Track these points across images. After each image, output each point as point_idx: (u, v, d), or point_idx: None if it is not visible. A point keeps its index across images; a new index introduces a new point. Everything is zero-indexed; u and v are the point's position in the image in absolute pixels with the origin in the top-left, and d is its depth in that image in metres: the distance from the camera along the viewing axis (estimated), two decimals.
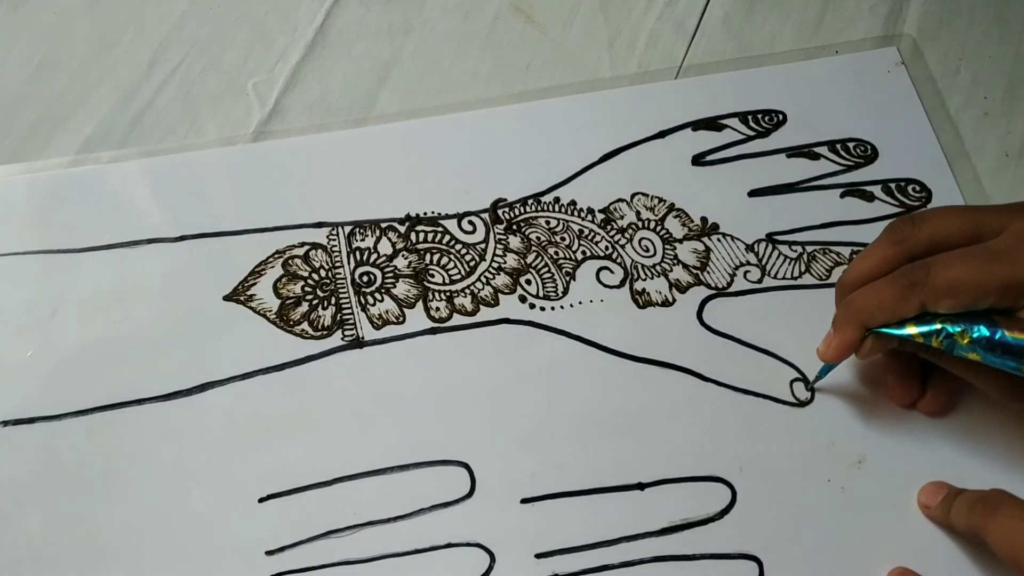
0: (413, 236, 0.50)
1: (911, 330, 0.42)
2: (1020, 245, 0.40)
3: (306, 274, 0.48)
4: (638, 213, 0.51)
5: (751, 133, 0.53)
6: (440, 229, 0.50)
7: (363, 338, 0.47)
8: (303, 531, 0.43)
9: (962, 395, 0.46)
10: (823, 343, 0.44)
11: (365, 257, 0.49)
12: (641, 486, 0.45)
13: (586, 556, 0.43)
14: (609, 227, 0.51)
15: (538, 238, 0.50)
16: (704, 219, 0.51)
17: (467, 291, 0.49)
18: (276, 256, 0.49)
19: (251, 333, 0.47)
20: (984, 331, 0.40)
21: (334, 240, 0.49)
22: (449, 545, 0.43)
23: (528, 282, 0.49)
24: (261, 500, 0.43)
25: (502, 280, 0.49)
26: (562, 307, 0.48)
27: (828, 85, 0.55)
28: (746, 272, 0.50)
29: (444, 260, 0.49)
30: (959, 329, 0.41)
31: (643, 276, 0.49)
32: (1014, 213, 0.42)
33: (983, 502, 0.41)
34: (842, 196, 0.52)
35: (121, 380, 0.45)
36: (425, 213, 0.50)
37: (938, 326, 0.41)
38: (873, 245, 0.44)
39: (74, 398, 0.45)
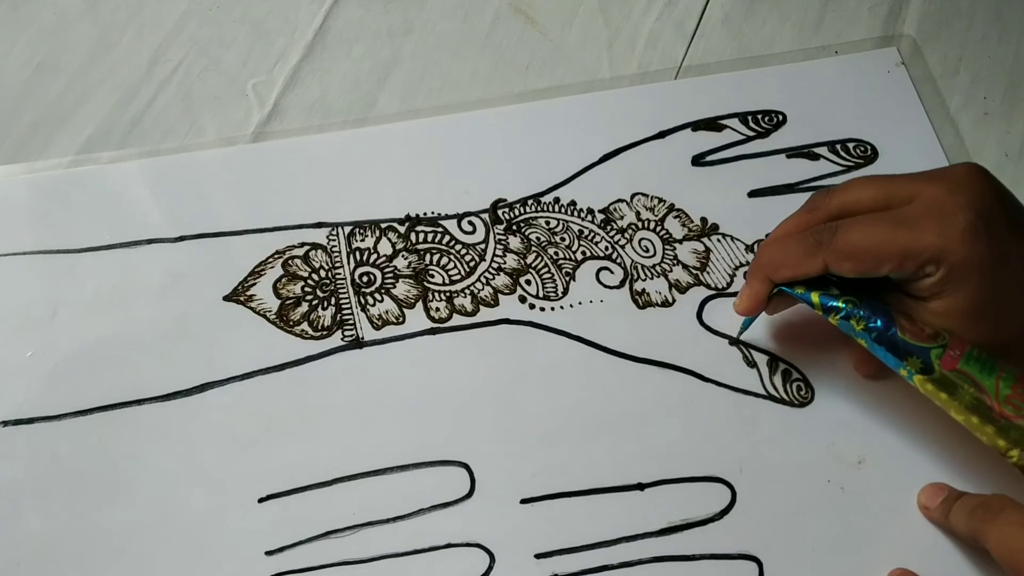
0: (413, 236, 0.50)
1: (813, 298, 0.43)
2: (926, 214, 0.40)
3: (306, 274, 0.48)
4: (638, 213, 0.51)
5: (751, 133, 0.53)
6: (440, 229, 0.50)
7: (363, 338, 0.47)
8: (303, 531, 0.43)
9: None
10: (737, 296, 0.45)
11: (365, 257, 0.49)
12: (641, 486, 0.45)
13: (586, 556, 0.43)
14: (609, 227, 0.51)
15: (538, 238, 0.50)
16: (704, 219, 0.51)
17: (467, 291, 0.49)
18: (276, 256, 0.49)
19: (251, 333, 0.47)
20: (879, 324, 0.41)
21: (334, 240, 0.49)
22: (449, 545, 0.43)
23: (528, 282, 0.49)
24: (261, 500, 0.43)
25: (502, 280, 0.49)
26: (562, 307, 0.48)
27: (828, 85, 0.55)
28: (746, 272, 0.50)
29: (444, 260, 0.49)
30: (859, 314, 0.42)
31: (643, 276, 0.49)
32: (925, 182, 0.42)
33: (984, 507, 0.41)
34: None
35: (121, 380, 0.45)
36: (425, 213, 0.50)
37: (839, 304, 0.42)
38: (791, 215, 0.45)
39: (74, 398, 0.45)
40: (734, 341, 0.48)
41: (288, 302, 0.48)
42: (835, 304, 0.42)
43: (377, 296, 0.48)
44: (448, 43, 0.56)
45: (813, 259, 0.42)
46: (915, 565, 0.43)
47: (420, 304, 0.48)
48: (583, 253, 0.50)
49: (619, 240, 0.50)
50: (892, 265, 0.41)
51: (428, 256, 0.49)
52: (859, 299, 0.42)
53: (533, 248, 0.50)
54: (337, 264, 0.49)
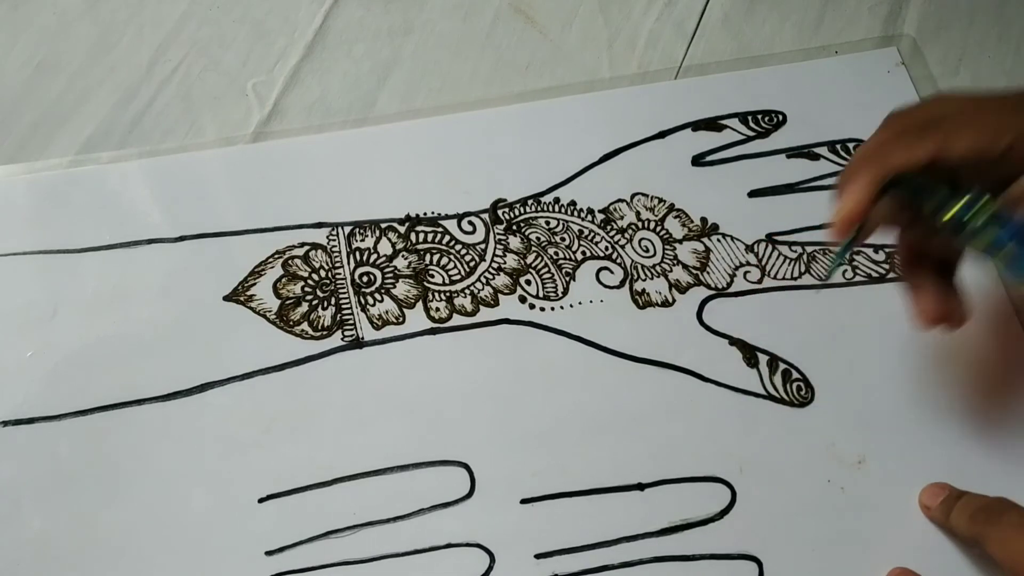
0: (413, 236, 0.50)
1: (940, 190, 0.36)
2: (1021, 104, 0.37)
3: (306, 274, 0.48)
4: (638, 213, 0.51)
5: (751, 133, 0.53)
6: (440, 229, 0.50)
7: (363, 338, 0.47)
8: (303, 531, 0.43)
9: (962, 394, 0.46)
10: (834, 209, 0.38)
11: (365, 257, 0.49)
12: (641, 486, 0.45)
13: (586, 556, 0.43)
14: (609, 227, 0.51)
15: (538, 238, 0.50)
16: (704, 219, 0.51)
17: (467, 291, 0.49)
18: (276, 256, 0.49)
19: (251, 333, 0.47)
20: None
21: (334, 240, 0.49)
22: (449, 545, 0.43)
23: (528, 282, 0.49)
24: (261, 500, 0.44)
25: (502, 280, 0.49)
26: (562, 307, 0.48)
27: (828, 85, 0.55)
28: (746, 272, 0.50)
29: (444, 260, 0.49)
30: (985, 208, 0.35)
31: (643, 276, 0.49)
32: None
33: (985, 510, 0.41)
34: None
35: (121, 380, 0.45)
36: (425, 213, 0.50)
37: (971, 197, 0.35)
38: (871, 137, 0.39)
39: (74, 398, 0.45)
40: (825, 277, 0.42)
41: (288, 302, 0.48)
42: (967, 197, 0.35)
43: (377, 296, 0.48)
44: (448, 43, 0.56)
45: (922, 141, 0.37)
46: (915, 565, 0.43)
47: (420, 304, 0.48)
48: (583, 253, 0.50)
49: (619, 240, 0.50)
50: (1013, 135, 0.36)
51: (428, 256, 0.49)
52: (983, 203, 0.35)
53: (533, 248, 0.50)
54: (337, 264, 0.49)
